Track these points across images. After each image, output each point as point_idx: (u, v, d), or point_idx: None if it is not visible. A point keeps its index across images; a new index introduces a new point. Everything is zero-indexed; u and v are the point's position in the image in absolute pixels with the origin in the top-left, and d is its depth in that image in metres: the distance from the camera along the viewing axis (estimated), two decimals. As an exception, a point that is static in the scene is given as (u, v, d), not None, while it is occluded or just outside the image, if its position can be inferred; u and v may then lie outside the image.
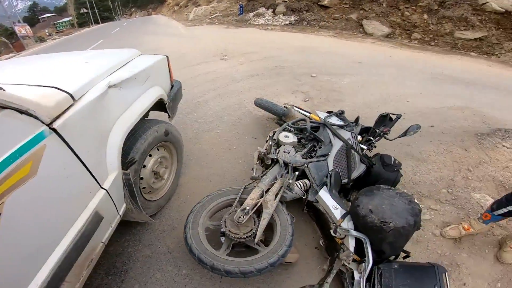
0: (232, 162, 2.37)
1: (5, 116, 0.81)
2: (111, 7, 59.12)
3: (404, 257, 1.42)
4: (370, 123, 2.34)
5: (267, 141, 1.95)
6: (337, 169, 1.74)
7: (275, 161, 1.75)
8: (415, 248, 1.64)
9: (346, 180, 1.78)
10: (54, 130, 0.96)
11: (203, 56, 5.95)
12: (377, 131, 2.14)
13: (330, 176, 1.66)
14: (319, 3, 10.70)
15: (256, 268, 1.24)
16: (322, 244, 1.60)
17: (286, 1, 11.54)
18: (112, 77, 1.38)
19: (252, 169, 1.78)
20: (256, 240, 1.37)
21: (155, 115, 1.98)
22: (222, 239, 1.46)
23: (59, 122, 0.98)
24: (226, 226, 1.39)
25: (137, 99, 1.53)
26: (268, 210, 1.41)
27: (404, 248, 1.38)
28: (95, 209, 1.18)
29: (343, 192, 1.91)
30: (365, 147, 2.05)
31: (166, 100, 1.87)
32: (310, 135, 1.99)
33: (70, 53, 2.04)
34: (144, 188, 1.73)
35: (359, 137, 2.15)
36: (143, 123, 1.63)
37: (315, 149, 1.92)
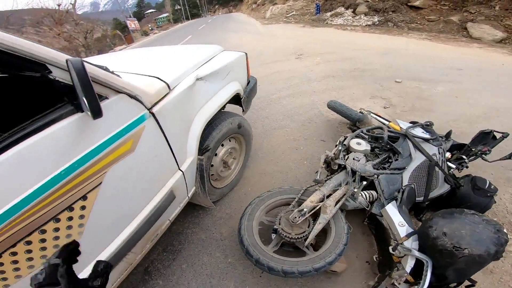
0: (297, 162, 2.35)
1: (120, 99, 0.98)
2: (198, 4, 65.17)
3: (467, 286, 1.19)
4: (466, 139, 1.98)
5: (336, 145, 1.87)
6: (412, 185, 1.56)
7: (342, 167, 1.68)
8: (485, 278, 1.37)
9: (421, 199, 1.58)
10: (153, 114, 1.11)
11: (279, 55, 6.03)
12: (473, 149, 1.82)
13: (403, 192, 1.51)
14: (408, 4, 9.73)
15: (299, 271, 1.22)
16: (375, 260, 1.47)
17: (368, 1, 10.74)
18: (199, 70, 1.52)
19: (317, 172, 1.73)
20: (306, 242, 1.35)
21: (230, 108, 2.10)
22: (273, 235, 1.47)
23: (157, 108, 1.14)
24: (280, 224, 1.39)
25: (218, 92, 1.64)
26: (326, 215, 1.37)
27: (472, 277, 1.17)
28: (171, 188, 1.33)
29: (415, 210, 1.71)
30: (453, 166, 1.76)
31: (242, 94, 1.96)
32: (387, 145, 1.83)
33: (166, 47, 2.33)
34: (212, 175, 1.86)
35: (448, 154, 1.86)
36: (220, 114, 1.74)
37: (389, 160, 1.76)
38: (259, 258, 1.27)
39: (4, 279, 0.79)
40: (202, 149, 1.58)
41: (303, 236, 1.35)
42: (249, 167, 2.32)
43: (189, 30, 17.80)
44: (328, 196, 1.48)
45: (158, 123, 1.14)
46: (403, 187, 1.54)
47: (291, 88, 3.98)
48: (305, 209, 1.40)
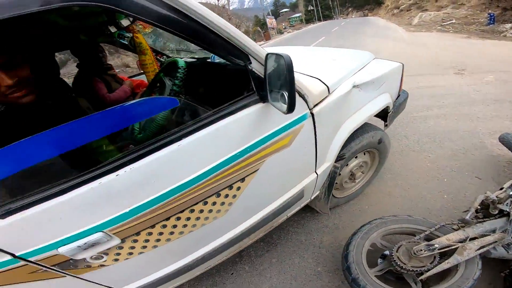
0: (434, 194, 2.00)
1: (292, 96, 1.05)
2: (331, 6, 63.83)
3: None
4: None
5: (503, 188, 1.54)
6: None
7: (505, 214, 1.42)
8: None
9: None
10: (312, 115, 1.15)
11: (430, 67, 5.11)
12: None
13: None
14: None
15: None
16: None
17: None
18: (355, 77, 1.46)
19: (466, 211, 1.49)
20: (421, 277, 1.25)
21: (371, 120, 1.97)
22: (380, 260, 1.41)
23: (317, 109, 1.17)
24: (397, 251, 1.30)
25: (369, 102, 1.54)
26: (461, 257, 1.24)
27: None
28: (303, 188, 1.37)
29: None
30: None
31: (390, 108, 1.77)
32: None
33: (318, 48, 2.38)
34: (335, 183, 1.81)
35: None
36: (364, 125, 1.64)
37: None
38: (358, 277, 1.24)
39: (168, 240, 1.01)
40: (338, 157, 1.54)
41: (419, 270, 1.24)
42: (373, 184, 2.14)
43: (322, 31, 17.82)
44: (472, 239, 1.32)
45: (314, 124, 1.17)
46: None
47: (443, 108, 3.30)
48: (436, 245, 1.28)
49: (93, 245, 0.83)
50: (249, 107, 0.95)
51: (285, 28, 37.96)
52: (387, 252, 1.38)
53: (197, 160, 0.91)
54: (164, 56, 2.51)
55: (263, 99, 0.95)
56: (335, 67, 1.58)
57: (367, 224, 1.49)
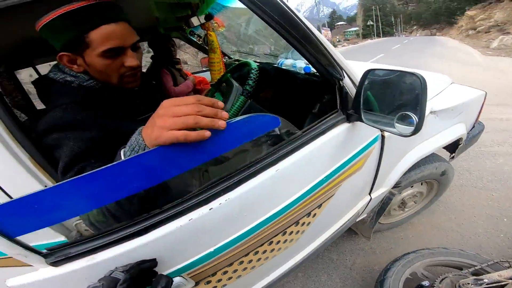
0: (490, 232, 1.84)
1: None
2: (393, 22, 60.56)
3: None
4: None
5: None
6: None
7: None
8: None
9: None
10: (382, 137, 1.08)
11: (505, 96, 4.53)
12: None
13: None
14: None
15: None
16: None
17: None
18: (432, 102, 1.35)
19: None
20: None
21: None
22: None
23: (387, 132, 1.10)
24: (440, 283, 1.25)
25: (442, 131, 1.42)
26: None
27: None
28: (357, 211, 1.30)
29: None
30: None
31: (462, 141, 1.61)
32: None
33: (385, 66, 2.26)
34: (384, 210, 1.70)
35: None
36: (429, 155, 1.52)
37: None
38: None
39: (239, 276, 0.92)
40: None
41: None
42: (422, 215, 2.00)
43: (380, 47, 17.01)
44: None
45: (382, 147, 1.11)
46: None
47: (518, 144, 2.90)
48: (486, 280, 1.22)
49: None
50: (336, 127, 0.89)
51: (339, 41, 37.06)
52: (425, 283, 1.32)
53: (290, 187, 0.85)
54: (226, 57, 2.62)
55: (349, 118, 0.90)
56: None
57: (412, 252, 1.43)
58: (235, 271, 0.88)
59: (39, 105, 1.55)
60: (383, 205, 1.46)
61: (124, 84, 0.78)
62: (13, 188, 0.53)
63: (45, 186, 0.56)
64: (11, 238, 0.51)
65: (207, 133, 0.47)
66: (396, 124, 0.79)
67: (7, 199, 0.51)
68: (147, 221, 0.63)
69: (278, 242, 0.94)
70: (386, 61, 10.97)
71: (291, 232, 0.97)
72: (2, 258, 0.56)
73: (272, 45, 2.27)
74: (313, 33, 0.75)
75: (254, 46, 2.57)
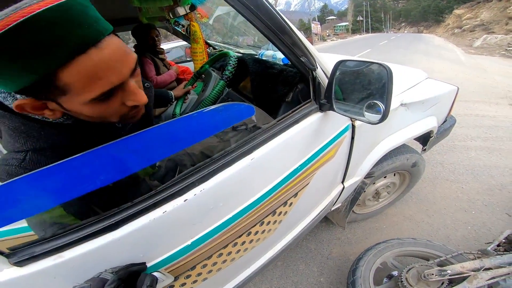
0: (458, 224, 1.95)
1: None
2: (383, 19, 61.31)
3: None
4: None
5: None
6: None
7: None
8: None
9: None
10: (353, 127, 1.13)
11: (482, 94, 4.73)
12: None
13: None
14: None
15: None
16: None
17: None
18: (404, 95, 1.40)
19: (489, 243, 1.50)
20: None
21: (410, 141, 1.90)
22: (385, 280, 1.42)
23: (359, 122, 1.14)
24: (407, 272, 1.30)
25: (413, 124, 1.48)
26: (469, 285, 1.24)
27: None
28: (331, 200, 1.35)
29: None
30: None
31: (434, 133, 1.68)
32: None
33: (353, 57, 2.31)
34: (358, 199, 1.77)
35: None
36: (400, 146, 1.58)
37: None
38: None
39: (219, 269, 0.90)
40: (367, 174, 1.51)
41: None
42: (396, 206, 2.11)
43: (368, 43, 17.22)
44: (486, 269, 1.31)
45: (353, 136, 1.15)
46: None
47: (489, 140, 3.06)
48: (449, 271, 1.28)
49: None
50: (309, 116, 0.91)
51: (328, 35, 37.26)
52: (394, 273, 1.39)
53: (265, 176, 0.84)
54: (211, 48, 2.61)
55: (321, 108, 0.92)
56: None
57: (383, 242, 1.49)
58: (214, 263, 0.86)
59: None
60: (356, 194, 1.51)
61: (127, 121, 0.60)
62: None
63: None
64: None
65: None
66: (365, 113, 0.83)
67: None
68: (118, 215, 0.59)
69: (256, 232, 0.94)
70: (372, 56, 11.16)
71: (269, 222, 0.96)
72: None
73: (255, 36, 2.27)
74: (287, 24, 0.76)
75: (239, 37, 2.57)
